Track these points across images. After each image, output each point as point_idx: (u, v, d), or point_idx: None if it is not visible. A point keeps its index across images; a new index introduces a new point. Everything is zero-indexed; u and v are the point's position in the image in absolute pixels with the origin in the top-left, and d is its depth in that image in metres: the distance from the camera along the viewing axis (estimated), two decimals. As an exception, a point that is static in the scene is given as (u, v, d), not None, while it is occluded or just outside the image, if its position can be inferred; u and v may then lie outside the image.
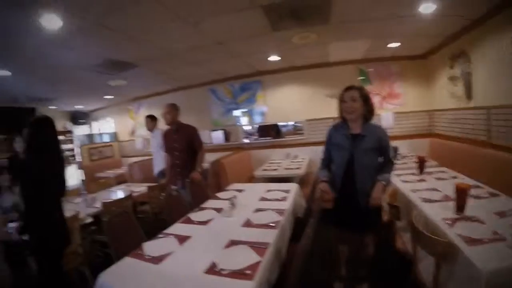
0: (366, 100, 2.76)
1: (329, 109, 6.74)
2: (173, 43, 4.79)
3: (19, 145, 4.66)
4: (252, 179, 6.15)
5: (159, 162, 5.90)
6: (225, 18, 3.92)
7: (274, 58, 6.30)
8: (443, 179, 3.86)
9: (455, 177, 3.90)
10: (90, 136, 11.30)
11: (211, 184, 5.61)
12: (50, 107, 10.16)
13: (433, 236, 2.11)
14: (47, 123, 2.79)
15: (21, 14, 3.24)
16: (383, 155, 2.81)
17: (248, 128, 8.14)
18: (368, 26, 4.64)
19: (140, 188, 5.26)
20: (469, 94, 5.06)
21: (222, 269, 1.94)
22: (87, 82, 6.87)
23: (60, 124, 11.33)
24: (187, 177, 4.35)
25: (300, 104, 7.43)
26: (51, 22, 3.48)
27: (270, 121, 7.78)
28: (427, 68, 6.73)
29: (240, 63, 6.56)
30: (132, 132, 10.14)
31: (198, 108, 8.44)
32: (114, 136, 10.75)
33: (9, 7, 3.06)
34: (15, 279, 3.94)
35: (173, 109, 4.61)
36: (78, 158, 9.75)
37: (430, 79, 6.67)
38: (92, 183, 6.60)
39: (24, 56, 4.66)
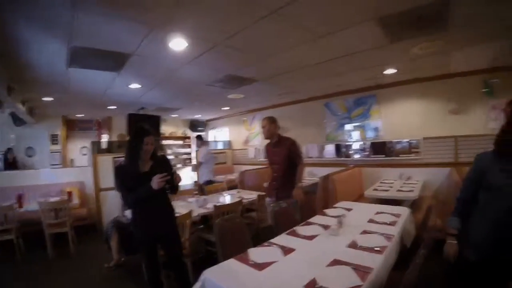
0: None
1: (449, 127, 6.40)
2: (292, 60, 4.99)
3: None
4: (361, 198, 5.97)
5: (203, 174, 7.32)
6: (345, 32, 3.93)
7: (390, 71, 6.07)
8: None
9: None
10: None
11: (319, 199, 5.59)
12: (173, 115, 11.16)
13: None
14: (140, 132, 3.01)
15: (154, 37, 3.78)
16: None
17: (360, 144, 7.88)
18: (494, 29, 4.04)
19: (250, 196, 5.42)
20: None
21: (321, 287, 1.92)
22: (207, 95, 7.53)
23: (180, 130, 12.49)
24: (283, 191, 4.35)
25: (416, 120, 6.93)
26: (179, 44, 4.01)
27: (384, 137, 7.43)
28: None
29: (356, 77, 6.50)
30: (246, 142, 10.67)
31: (312, 122, 8.57)
32: (228, 144, 11.51)
33: (146, 33, 3.66)
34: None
35: (269, 122, 4.52)
36: (193, 162, 10.50)
37: None
38: (205, 185, 7.02)
39: (154, 72, 5.37)
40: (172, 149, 12.12)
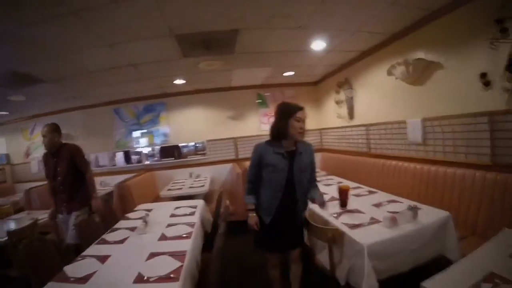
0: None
1: (230, 130, 7.75)
2: (87, 61, 4.78)
3: None
4: (158, 199, 6.31)
5: None
6: (142, 43, 4.15)
7: (179, 81, 6.63)
8: (330, 184, 4.68)
9: (340, 182, 4.71)
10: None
11: (117, 206, 5.57)
12: None
13: (323, 226, 2.75)
14: None
15: None
16: (311, 171, 2.91)
17: (149, 149, 8.18)
18: (268, 57, 5.35)
19: (44, 215, 4.80)
20: (351, 115, 6.11)
21: (149, 277, 2.17)
22: None
23: None
24: (75, 202, 4.05)
25: (202, 125, 7.90)
26: None
27: (172, 142, 8.02)
28: (318, 93, 7.90)
29: (146, 85, 6.74)
30: (27, 154, 9.31)
31: (101, 129, 8.29)
32: (6, 158, 9.57)
33: None
34: None
35: (50, 131, 4.01)
36: None
37: (320, 102, 7.84)
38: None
39: None
40: None
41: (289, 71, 6.58)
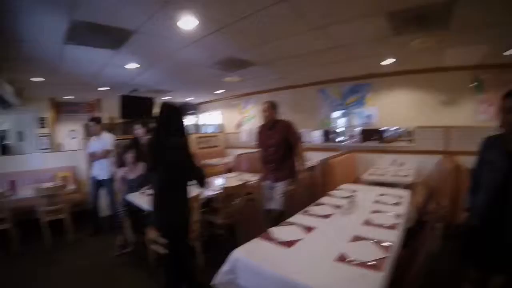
0: None
1: (440, 117, 6.73)
2: (298, 46, 5.03)
3: (139, 131, 5.42)
4: (356, 180, 6.17)
5: (103, 168, 5.61)
6: (350, 23, 4.05)
7: (388, 61, 6.22)
8: None
9: None
10: (197, 126, 12.07)
11: (318, 181, 5.70)
12: (164, 98, 10.87)
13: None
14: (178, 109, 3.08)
15: (164, 14, 3.55)
16: None
17: (352, 130, 7.99)
18: (487, 32, 4.40)
19: (252, 178, 5.34)
20: None
21: (352, 260, 2.09)
22: (203, 77, 7.44)
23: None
24: (281, 173, 4.34)
25: (410, 110, 7.15)
26: (188, 23, 3.82)
27: (376, 125, 7.60)
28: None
29: (352, 66, 6.63)
30: (238, 125, 10.79)
31: (306, 107, 8.71)
32: (220, 127, 11.50)
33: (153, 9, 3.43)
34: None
35: (270, 107, 4.43)
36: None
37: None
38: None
39: (154, 51, 5.15)
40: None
41: (512, 49, 5.28)
